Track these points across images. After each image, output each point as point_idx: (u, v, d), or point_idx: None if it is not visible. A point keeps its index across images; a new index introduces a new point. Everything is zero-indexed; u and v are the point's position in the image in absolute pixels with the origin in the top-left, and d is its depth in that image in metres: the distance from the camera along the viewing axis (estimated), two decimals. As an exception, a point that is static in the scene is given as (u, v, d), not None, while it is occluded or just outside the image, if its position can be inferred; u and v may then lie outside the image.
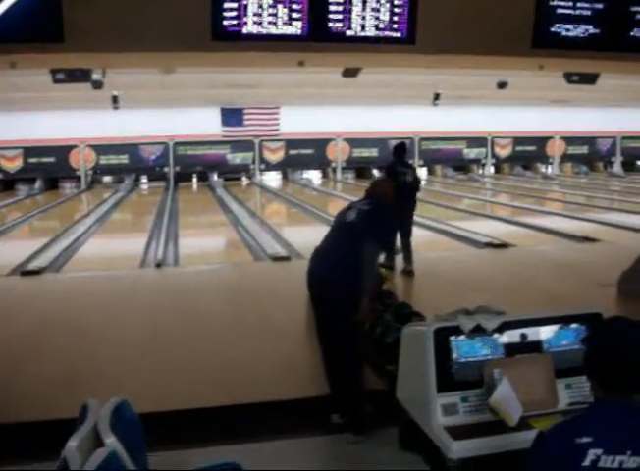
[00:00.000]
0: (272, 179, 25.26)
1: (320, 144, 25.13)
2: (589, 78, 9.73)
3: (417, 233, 8.98)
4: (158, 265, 9.78)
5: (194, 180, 24.77)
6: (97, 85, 10.87)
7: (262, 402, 4.57)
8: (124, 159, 23.81)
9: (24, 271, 9.26)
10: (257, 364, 5.26)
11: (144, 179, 24.81)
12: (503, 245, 10.52)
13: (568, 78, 9.70)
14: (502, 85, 15.16)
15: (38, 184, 23.00)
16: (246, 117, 23.60)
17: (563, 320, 3.22)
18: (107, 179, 24.62)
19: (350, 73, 8.79)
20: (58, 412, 4.03)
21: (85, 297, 7.65)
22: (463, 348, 3.01)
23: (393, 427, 4.06)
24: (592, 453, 1.88)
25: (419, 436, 3.11)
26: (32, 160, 22.89)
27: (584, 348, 2.11)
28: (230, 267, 9.89)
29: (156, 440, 3.35)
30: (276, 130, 23.89)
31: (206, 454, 3.70)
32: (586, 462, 1.88)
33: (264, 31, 6.30)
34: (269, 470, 3.74)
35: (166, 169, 24.04)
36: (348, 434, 4.21)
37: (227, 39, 6.22)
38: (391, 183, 5.05)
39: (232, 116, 23.53)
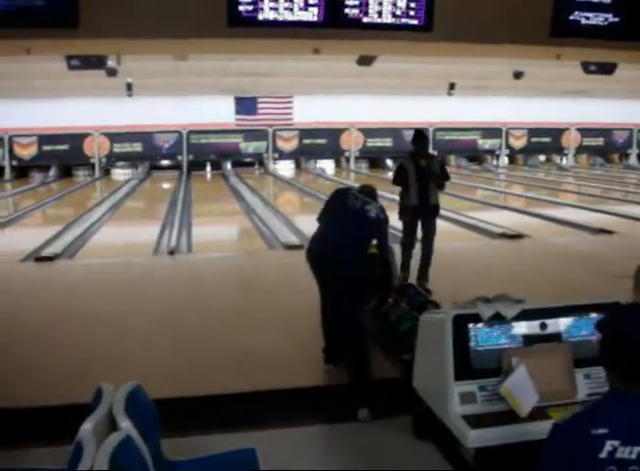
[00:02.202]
0: (285, 168, 25.22)
1: (334, 134, 25.07)
2: (607, 69, 9.60)
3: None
4: (171, 252, 9.79)
5: (208, 168, 24.77)
6: (112, 73, 10.88)
7: (277, 389, 4.56)
8: (137, 147, 23.84)
9: (38, 257, 9.29)
10: (272, 351, 5.24)
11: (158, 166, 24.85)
12: (517, 236, 10.46)
13: (586, 68, 9.58)
14: (518, 75, 15.01)
15: (52, 172, 23.09)
16: (260, 106, 23.56)
17: (583, 309, 3.18)
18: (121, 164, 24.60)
19: (365, 61, 8.73)
20: (72, 397, 4.02)
21: (99, 284, 7.66)
22: (482, 336, 2.97)
23: (406, 415, 4.07)
24: (609, 444, 1.85)
25: (435, 424, 3.08)
26: (47, 148, 22.97)
27: (599, 337, 2.05)
28: (243, 255, 9.88)
29: (171, 426, 3.34)
30: (289, 119, 23.84)
31: (220, 441, 3.69)
32: (603, 454, 1.85)
33: (280, 17, 6.26)
34: (284, 456, 3.74)
35: (180, 157, 24.06)
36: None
37: (243, 25, 6.19)
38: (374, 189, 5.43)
39: (245, 105, 23.50)
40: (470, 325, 2.96)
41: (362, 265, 4.60)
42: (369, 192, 5.23)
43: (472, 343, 2.95)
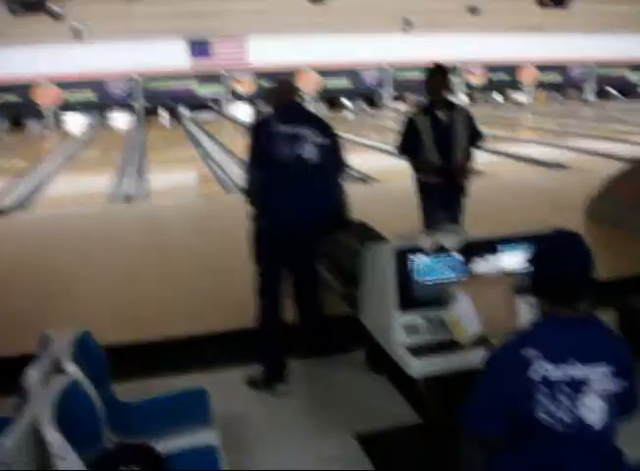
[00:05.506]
0: (242, 111, 24.91)
1: (290, 75, 24.77)
2: (560, 1, 9.60)
3: (388, 159, 8.88)
4: (128, 200, 9.69)
5: (164, 114, 24.38)
6: (56, 16, 10.55)
7: (232, 330, 4.59)
8: (91, 95, 23.30)
9: (-11, 210, 9.14)
10: (228, 294, 5.25)
11: (112, 114, 24.36)
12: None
13: (540, 1, 9.56)
14: (473, 11, 14.92)
15: (2, 123, 22.53)
16: (214, 48, 23.10)
17: (527, 240, 3.20)
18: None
19: (317, -2, 8.58)
20: (23, 348, 3.99)
21: (55, 235, 7.55)
22: (425, 268, 2.99)
23: (360, 350, 4.14)
24: (537, 365, 1.94)
25: (384, 356, 3.13)
26: (-5, 98, 22.39)
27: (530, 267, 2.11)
28: (200, 200, 9.83)
29: (125, 371, 3.36)
30: (245, 61, 23.43)
31: (176, 383, 3.70)
32: (533, 374, 1.94)
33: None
34: (237, 396, 3.80)
35: (134, 104, 23.61)
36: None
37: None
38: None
39: (199, 48, 23.04)
40: (413, 257, 2.97)
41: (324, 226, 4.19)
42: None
43: (415, 275, 2.97)
